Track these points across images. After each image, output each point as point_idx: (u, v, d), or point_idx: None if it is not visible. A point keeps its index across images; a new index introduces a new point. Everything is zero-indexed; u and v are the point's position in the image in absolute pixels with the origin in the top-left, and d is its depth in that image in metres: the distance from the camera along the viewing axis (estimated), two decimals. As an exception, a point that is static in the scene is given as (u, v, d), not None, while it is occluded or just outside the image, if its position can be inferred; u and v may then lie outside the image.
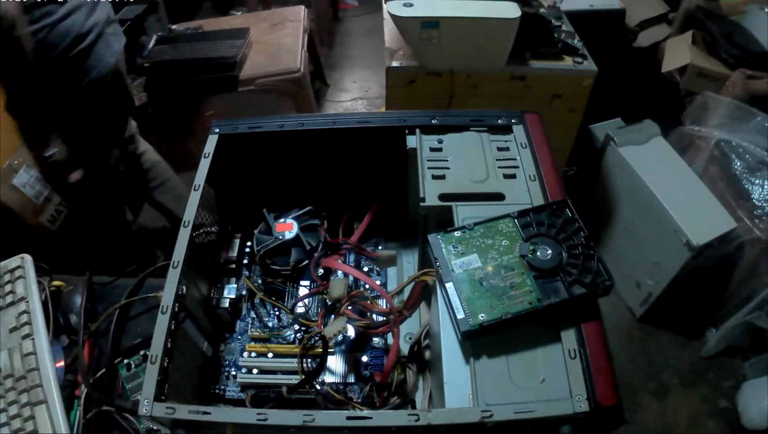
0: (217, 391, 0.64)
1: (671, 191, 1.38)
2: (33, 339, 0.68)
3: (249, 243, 0.75)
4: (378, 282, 0.72)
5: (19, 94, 0.96)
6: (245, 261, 0.74)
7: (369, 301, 0.64)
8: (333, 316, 0.63)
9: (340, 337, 0.64)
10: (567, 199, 0.59)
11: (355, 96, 2.53)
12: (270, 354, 0.65)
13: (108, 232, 1.79)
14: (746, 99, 1.60)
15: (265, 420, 0.46)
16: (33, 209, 1.63)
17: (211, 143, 0.69)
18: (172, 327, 0.54)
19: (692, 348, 1.54)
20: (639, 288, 1.53)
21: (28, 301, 0.71)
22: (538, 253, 0.55)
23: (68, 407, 0.66)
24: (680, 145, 1.58)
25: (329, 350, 0.61)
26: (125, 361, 0.71)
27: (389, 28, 1.47)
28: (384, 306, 0.63)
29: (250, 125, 0.71)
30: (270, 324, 0.68)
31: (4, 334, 0.70)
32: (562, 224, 0.57)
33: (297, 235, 0.71)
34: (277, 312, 0.69)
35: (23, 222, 1.08)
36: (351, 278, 0.68)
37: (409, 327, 0.67)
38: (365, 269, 0.74)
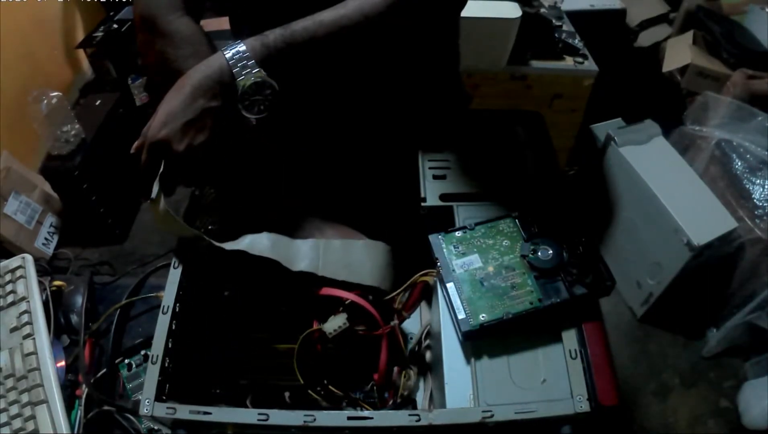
0: (218, 391, 0.64)
1: (672, 191, 1.38)
2: (34, 338, 0.68)
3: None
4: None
5: None
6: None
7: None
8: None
9: (340, 336, 0.64)
10: (568, 199, 0.59)
11: (356, 96, 2.53)
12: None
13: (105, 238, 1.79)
14: (747, 99, 1.60)
15: (266, 420, 0.46)
16: (27, 235, 1.63)
17: (211, 143, 0.69)
18: (173, 328, 0.54)
19: (693, 348, 1.54)
20: (640, 288, 1.53)
21: (29, 301, 0.71)
22: (539, 253, 0.55)
23: (69, 407, 0.65)
24: (681, 144, 1.58)
25: (329, 348, 0.60)
26: (126, 361, 0.71)
27: (390, 28, 1.47)
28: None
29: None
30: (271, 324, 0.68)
31: (4, 334, 0.70)
32: (563, 224, 0.57)
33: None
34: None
35: (21, 251, 1.07)
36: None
37: (410, 328, 0.66)
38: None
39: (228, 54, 0.54)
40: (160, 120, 0.53)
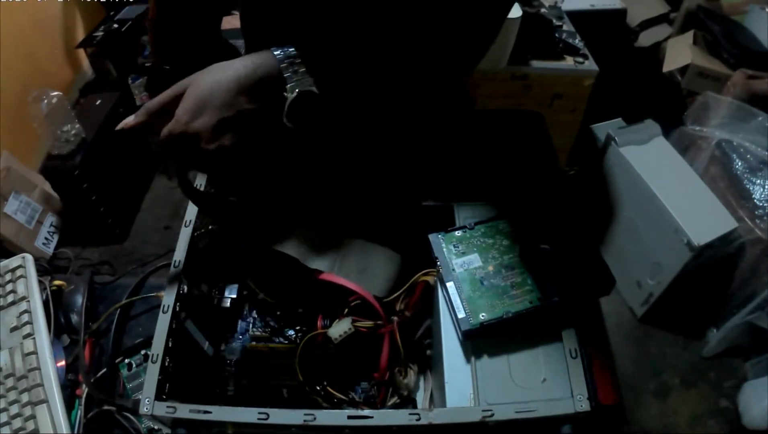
0: (218, 391, 0.64)
1: (672, 191, 1.38)
2: (34, 338, 0.68)
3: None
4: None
5: None
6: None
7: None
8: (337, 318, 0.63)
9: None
10: (568, 199, 0.59)
11: (356, 96, 2.52)
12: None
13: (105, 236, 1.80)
14: (747, 99, 1.60)
15: (266, 419, 0.46)
16: (28, 235, 1.63)
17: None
18: (173, 327, 0.54)
19: (693, 348, 1.54)
20: (640, 288, 1.52)
21: (29, 301, 0.71)
22: (539, 253, 0.55)
23: (69, 406, 0.65)
24: (681, 144, 1.58)
25: (330, 349, 0.61)
26: (126, 361, 0.71)
27: (390, 28, 1.47)
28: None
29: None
30: (272, 323, 0.68)
31: (5, 334, 0.70)
32: (563, 224, 0.57)
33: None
34: (278, 312, 0.69)
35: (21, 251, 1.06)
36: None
37: (410, 327, 0.66)
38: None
39: (279, 54, 0.49)
40: (191, 107, 0.47)
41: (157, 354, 0.51)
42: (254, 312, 0.69)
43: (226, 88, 0.47)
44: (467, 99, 0.86)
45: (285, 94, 0.48)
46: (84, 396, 0.66)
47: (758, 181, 1.42)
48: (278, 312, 0.68)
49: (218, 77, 0.48)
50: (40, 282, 0.75)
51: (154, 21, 0.63)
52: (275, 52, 0.49)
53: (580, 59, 1.56)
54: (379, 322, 0.60)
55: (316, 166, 0.68)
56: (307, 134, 0.52)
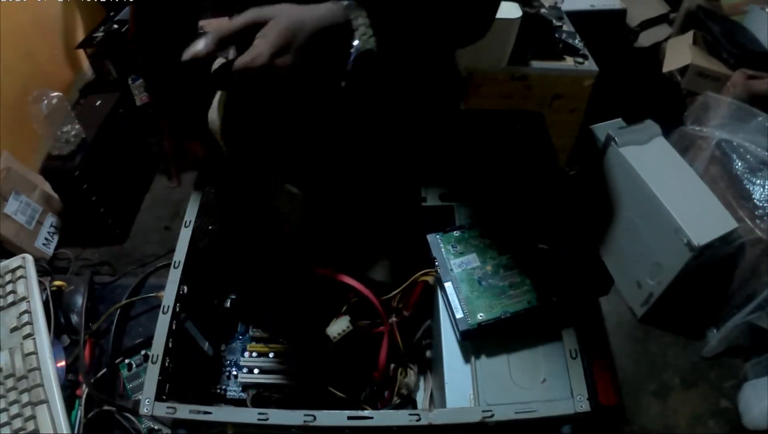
0: (218, 391, 0.64)
1: (672, 191, 1.38)
2: (34, 338, 0.68)
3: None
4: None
5: None
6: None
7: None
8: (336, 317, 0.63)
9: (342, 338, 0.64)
10: (568, 199, 0.59)
11: (356, 96, 2.52)
12: (271, 354, 0.65)
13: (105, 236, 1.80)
14: (747, 99, 1.60)
15: (266, 419, 0.46)
16: (28, 235, 1.63)
17: (212, 143, 0.69)
18: (173, 327, 0.54)
19: (693, 348, 1.54)
20: (640, 288, 1.52)
21: (29, 301, 0.71)
22: (538, 253, 0.55)
23: (69, 407, 0.66)
24: (681, 145, 1.58)
25: (330, 349, 0.61)
26: (126, 361, 0.71)
27: (390, 28, 1.47)
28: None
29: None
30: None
31: (5, 334, 0.70)
32: (562, 224, 0.57)
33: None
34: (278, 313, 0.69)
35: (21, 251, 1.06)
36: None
37: (410, 327, 0.66)
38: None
39: (348, 4, 0.46)
40: (275, 42, 0.43)
41: (157, 355, 0.51)
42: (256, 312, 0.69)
43: (310, 31, 0.45)
44: (460, 77, 0.85)
45: (351, 49, 0.46)
46: (84, 396, 0.66)
47: (758, 181, 1.42)
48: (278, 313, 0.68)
49: (302, 16, 0.45)
50: (40, 282, 0.75)
51: (135, 34, 0.63)
52: (343, 2, 0.47)
53: (580, 59, 1.57)
54: (377, 320, 0.60)
55: (315, 168, 0.68)
56: (356, 95, 0.50)
